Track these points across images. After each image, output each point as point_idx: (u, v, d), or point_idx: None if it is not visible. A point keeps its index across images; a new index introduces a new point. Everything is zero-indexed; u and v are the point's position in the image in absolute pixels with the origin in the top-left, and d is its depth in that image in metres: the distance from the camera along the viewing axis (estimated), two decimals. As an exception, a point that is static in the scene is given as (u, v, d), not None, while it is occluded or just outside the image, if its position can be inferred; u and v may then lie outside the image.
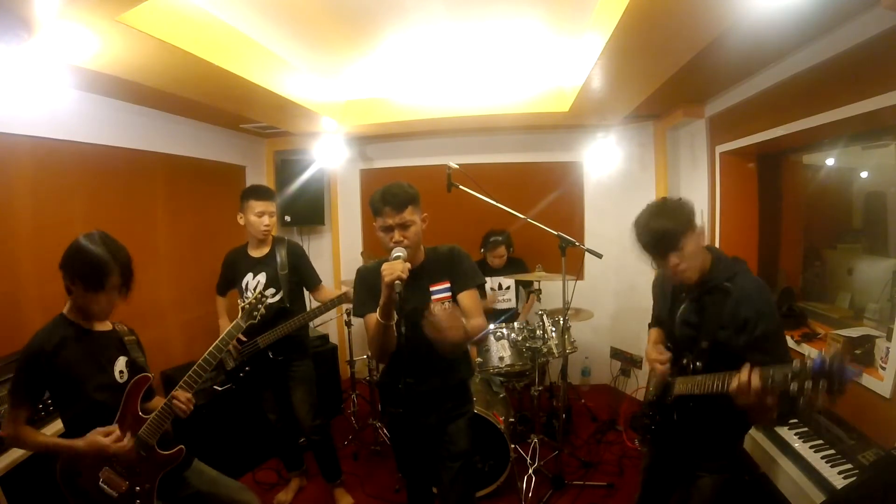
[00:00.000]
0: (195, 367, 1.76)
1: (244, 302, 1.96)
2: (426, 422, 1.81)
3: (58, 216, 2.52)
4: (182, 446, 1.74)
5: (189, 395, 1.71)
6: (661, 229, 1.51)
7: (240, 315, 1.93)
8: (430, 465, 1.88)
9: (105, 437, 1.53)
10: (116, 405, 1.63)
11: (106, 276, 1.52)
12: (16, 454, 1.80)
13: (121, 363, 1.68)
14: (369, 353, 3.51)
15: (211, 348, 1.81)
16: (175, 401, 1.68)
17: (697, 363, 1.59)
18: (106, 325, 1.70)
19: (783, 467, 1.82)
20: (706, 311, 1.57)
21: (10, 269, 2.29)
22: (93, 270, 1.50)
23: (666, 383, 1.71)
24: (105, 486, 1.59)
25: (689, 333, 1.64)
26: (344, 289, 2.57)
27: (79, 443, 1.53)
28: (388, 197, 1.67)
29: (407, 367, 1.58)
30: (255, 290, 2.51)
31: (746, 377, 1.30)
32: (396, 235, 1.67)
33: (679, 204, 1.57)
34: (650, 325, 1.96)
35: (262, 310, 1.96)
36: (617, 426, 3.44)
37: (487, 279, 3.53)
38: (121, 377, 1.66)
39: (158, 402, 1.76)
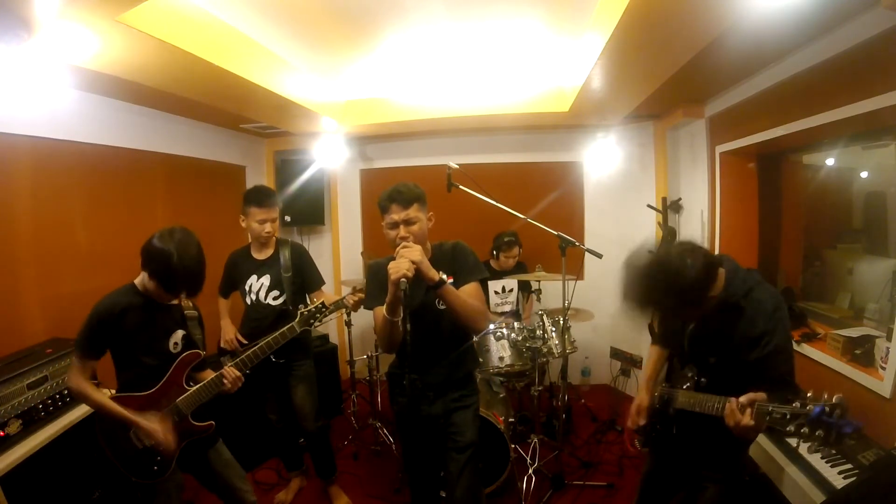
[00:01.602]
0: (250, 352, 1.97)
1: (305, 307, 2.12)
2: (432, 411, 1.84)
3: (58, 216, 2.52)
4: (212, 422, 1.88)
5: (239, 374, 1.88)
6: (679, 286, 1.35)
7: (297, 319, 2.11)
8: (435, 460, 1.89)
9: (162, 432, 1.71)
10: (166, 372, 1.79)
11: (180, 290, 1.72)
12: (16, 454, 1.80)
13: (177, 336, 1.84)
14: (370, 353, 3.51)
15: (269, 338, 2.04)
16: (224, 377, 1.85)
17: (702, 378, 1.57)
18: (172, 300, 1.85)
19: (783, 467, 1.81)
20: (718, 329, 1.52)
21: (10, 269, 2.29)
22: (170, 280, 1.65)
23: (669, 395, 1.70)
24: (133, 437, 1.76)
25: (698, 348, 1.61)
26: (345, 289, 2.57)
27: (138, 419, 1.70)
28: (394, 194, 1.73)
29: (411, 364, 1.60)
30: (257, 292, 2.52)
31: (741, 414, 1.26)
32: (402, 231, 1.71)
33: (693, 246, 1.39)
34: (653, 343, 1.91)
35: (322, 319, 2.14)
36: (616, 426, 3.44)
37: (490, 283, 3.53)
38: (174, 348, 1.83)
39: (208, 374, 1.92)
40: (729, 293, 1.47)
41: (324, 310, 2.14)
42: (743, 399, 1.27)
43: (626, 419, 1.85)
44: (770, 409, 1.20)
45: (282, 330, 2.08)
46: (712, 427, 1.50)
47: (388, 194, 1.74)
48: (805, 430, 1.11)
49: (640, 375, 1.87)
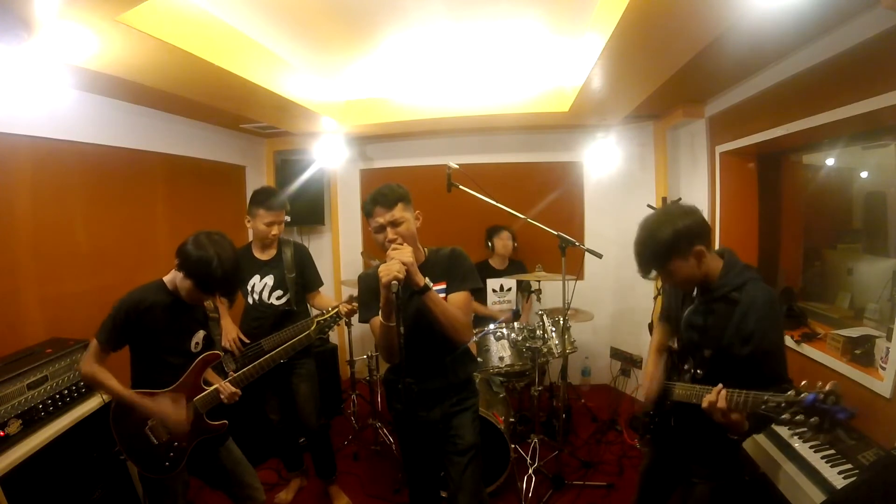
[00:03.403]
0: (250, 367, 1.95)
1: (321, 315, 2.16)
2: (430, 417, 1.82)
3: (58, 216, 2.52)
4: (226, 421, 1.90)
5: (235, 390, 1.88)
6: (647, 246, 1.48)
7: (313, 327, 2.16)
8: (435, 463, 1.87)
9: (173, 411, 1.73)
10: (184, 370, 1.81)
11: (217, 292, 1.74)
12: (16, 454, 1.80)
13: (199, 336, 1.87)
14: (369, 353, 3.51)
15: (286, 346, 2.07)
16: (220, 392, 1.86)
17: (698, 371, 1.58)
18: (202, 302, 1.87)
19: (783, 467, 1.81)
20: (712, 319, 1.55)
21: (10, 269, 2.29)
22: (209, 283, 1.66)
23: (666, 388, 1.70)
24: (149, 433, 1.77)
25: (694, 338, 1.62)
26: (344, 289, 2.58)
27: (148, 402, 1.72)
28: (377, 197, 1.70)
29: (406, 368, 1.58)
30: (260, 291, 2.52)
31: (719, 399, 1.35)
32: (389, 234, 1.68)
33: (684, 213, 1.49)
34: (658, 319, 1.95)
35: (334, 328, 2.19)
36: (617, 426, 3.44)
37: (489, 281, 3.53)
38: (195, 348, 1.86)
39: (210, 374, 1.94)
40: (724, 283, 1.51)
41: (338, 319, 2.19)
42: (723, 392, 1.37)
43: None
44: (766, 397, 1.24)
45: (298, 338, 2.12)
46: (708, 421, 1.53)
47: (372, 197, 1.71)
48: (800, 417, 1.14)
49: (648, 347, 1.88)
